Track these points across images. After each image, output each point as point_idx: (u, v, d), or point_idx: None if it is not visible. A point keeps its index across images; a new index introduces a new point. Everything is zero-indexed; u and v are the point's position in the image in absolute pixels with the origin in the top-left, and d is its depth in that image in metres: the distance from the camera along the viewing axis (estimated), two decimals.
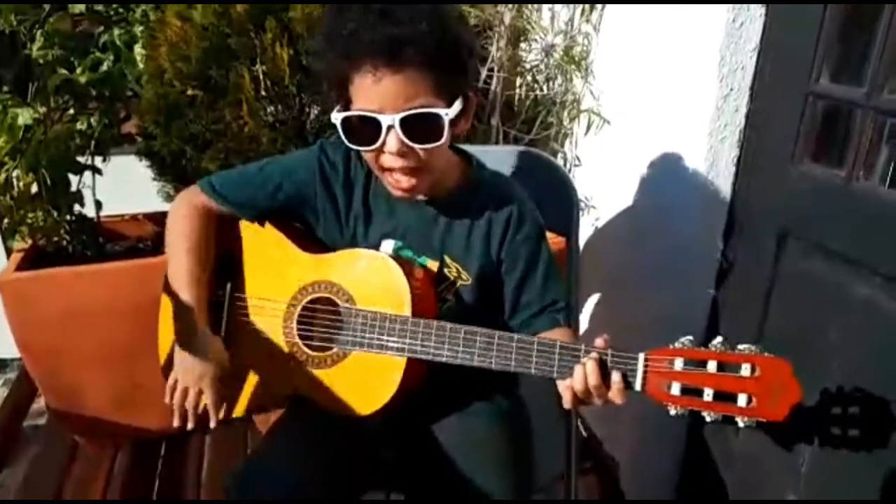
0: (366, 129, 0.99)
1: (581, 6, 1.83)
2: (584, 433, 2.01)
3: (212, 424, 1.13)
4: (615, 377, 0.94)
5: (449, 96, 1.01)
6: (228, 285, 1.19)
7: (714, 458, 1.53)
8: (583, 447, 1.93)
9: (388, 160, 1.02)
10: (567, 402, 0.99)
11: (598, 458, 1.94)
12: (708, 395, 0.92)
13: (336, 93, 1.04)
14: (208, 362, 1.12)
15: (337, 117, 1.02)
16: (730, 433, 1.48)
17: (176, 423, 1.14)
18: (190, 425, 1.14)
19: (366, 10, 0.96)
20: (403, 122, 0.97)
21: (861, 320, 1.15)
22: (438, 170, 1.08)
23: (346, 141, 1.04)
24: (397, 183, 1.05)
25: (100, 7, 1.90)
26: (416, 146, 1.00)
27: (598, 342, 0.97)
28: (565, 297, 1.17)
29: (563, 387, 0.99)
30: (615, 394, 0.94)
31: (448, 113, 0.99)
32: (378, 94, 0.96)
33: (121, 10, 1.91)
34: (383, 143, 1.00)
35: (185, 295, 1.13)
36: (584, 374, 0.95)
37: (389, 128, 0.98)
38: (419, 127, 0.98)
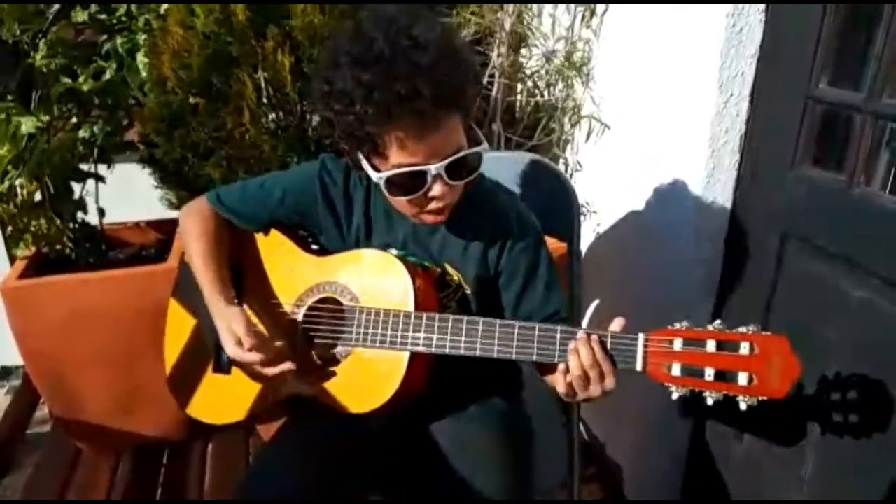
0: (412, 182, 1.00)
1: (581, 13, 1.84)
2: (585, 438, 2.01)
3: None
4: (598, 349, 0.96)
5: (468, 124, 1.04)
6: (233, 290, 1.20)
7: (716, 463, 1.53)
8: (585, 452, 1.92)
9: (433, 203, 1.03)
10: (561, 388, 1.01)
11: (602, 465, 1.94)
12: (709, 374, 0.91)
13: (364, 145, 1.00)
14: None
15: (381, 177, 1.01)
16: (732, 438, 1.47)
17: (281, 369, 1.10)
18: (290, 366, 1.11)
19: (390, 64, 0.92)
20: (448, 167, 0.99)
21: (864, 325, 1.14)
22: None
23: (387, 194, 1.04)
24: (434, 219, 1.07)
25: (102, 15, 1.91)
26: (458, 183, 1.02)
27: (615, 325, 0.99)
28: (565, 308, 1.18)
29: (558, 373, 1.01)
30: (607, 373, 0.96)
31: (486, 147, 1.03)
32: (423, 149, 0.97)
33: (123, 18, 1.93)
34: (429, 189, 1.01)
35: (213, 286, 1.14)
36: (577, 355, 0.96)
37: (436, 176, 0.99)
38: (461, 167, 1.01)
